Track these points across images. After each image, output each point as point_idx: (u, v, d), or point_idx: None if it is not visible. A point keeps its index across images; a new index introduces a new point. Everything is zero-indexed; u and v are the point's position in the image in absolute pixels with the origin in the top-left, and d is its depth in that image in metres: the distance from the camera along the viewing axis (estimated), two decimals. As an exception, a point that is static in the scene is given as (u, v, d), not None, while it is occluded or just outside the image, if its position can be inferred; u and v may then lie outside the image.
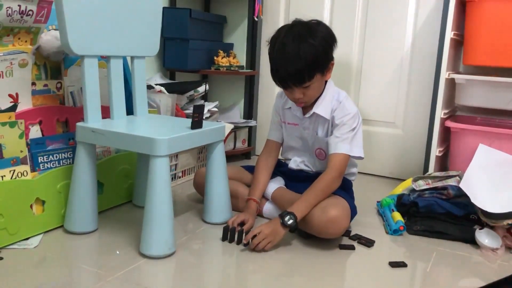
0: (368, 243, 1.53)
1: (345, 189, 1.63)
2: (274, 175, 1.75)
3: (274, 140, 1.75)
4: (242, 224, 1.56)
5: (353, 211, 1.58)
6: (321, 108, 1.59)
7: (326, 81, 1.60)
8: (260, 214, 1.71)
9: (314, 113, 1.60)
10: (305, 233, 1.54)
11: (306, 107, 1.64)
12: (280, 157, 1.81)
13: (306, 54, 1.44)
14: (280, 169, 1.78)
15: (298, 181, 1.70)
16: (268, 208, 1.70)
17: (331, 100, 1.59)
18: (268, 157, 1.73)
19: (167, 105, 2.02)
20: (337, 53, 1.64)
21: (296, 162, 1.74)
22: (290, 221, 1.42)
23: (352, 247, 1.50)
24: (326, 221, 1.44)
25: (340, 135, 1.54)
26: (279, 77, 1.51)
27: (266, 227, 1.44)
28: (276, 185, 1.70)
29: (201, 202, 1.78)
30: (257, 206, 1.65)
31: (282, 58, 1.48)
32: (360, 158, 1.58)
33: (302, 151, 1.73)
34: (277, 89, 2.56)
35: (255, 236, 1.42)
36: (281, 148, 1.79)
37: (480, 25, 1.89)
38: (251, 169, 1.81)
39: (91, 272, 1.27)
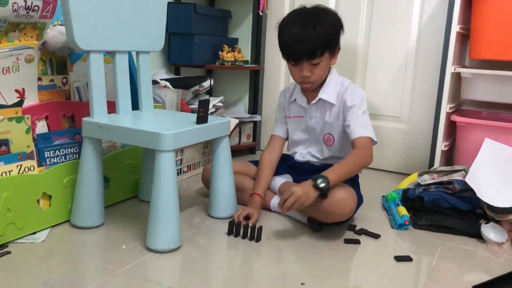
0: (374, 236, 1.54)
1: (352, 181, 1.64)
2: (281, 170, 1.76)
3: (279, 135, 1.77)
4: (247, 218, 1.57)
5: (360, 199, 1.59)
6: (327, 93, 1.63)
7: (329, 68, 1.64)
8: (267, 208, 1.72)
9: (320, 99, 1.63)
10: (317, 226, 1.55)
11: (311, 95, 1.66)
12: (286, 152, 1.81)
13: (321, 29, 1.50)
14: (287, 163, 1.79)
15: (305, 173, 1.70)
16: (275, 201, 1.71)
17: (335, 85, 1.64)
18: (272, 152, 1.74)
19: (172, 100, 2.03)
20: (342, 48, 1.64)
21: (302, 154, 1.75)
22: (323, 184, 1.41)
23: (357, 241, 1.50)
24: (333, 202, 1.45)
25: (356, 117, 1.58)
26: (292, 50, 1.53)
27: (299, 189, 1.41)
28: (283, 179, 1.71)
29: (206, 196, 1.79)
30: (261, 200, 1.65)
31: (297, 31, 1.50)
32: (375, 143, 1.62)
33: (308, 143, 1.74)
34: (282, 84, 2.59)
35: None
36: (285, 144, 1.80)
37: (486, 18, 1.88)
38: (257, 164, 1.82)
39: (98, 266, 1.28)
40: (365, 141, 1.56)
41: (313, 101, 1.65)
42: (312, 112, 1.67)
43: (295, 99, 1.71)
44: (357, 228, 1.59)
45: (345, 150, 1.65)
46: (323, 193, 1.43)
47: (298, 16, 1.55)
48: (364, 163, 1.54)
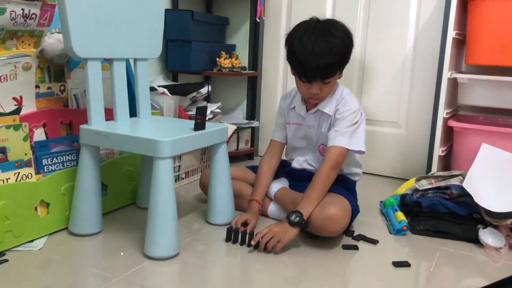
0: (373, 241, 1.54)
1: (348, 189, 1.63)
2: (278, 175, 1.76)
3: (278, 140, 1.76)
4: (245, 224, 1.57)
5: (355, 210, 1.58)
6: (325, 104, 1.61)
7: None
8: (264, 214, 1.72)
9: (318, 110, 1.62)
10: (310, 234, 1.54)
11: (311, 105, 1.65)
12: (284, 158, 1.81)
13: (336, 48, 1.48)
14: (284, 169, 1.79)
15: (301, 180, 1.70)
16: (272, 208, 1.71)
17: (335, 96, 1.62)
18: (271, 158, 1.74)
19: (170, 106, 2.03)
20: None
21: (299, 162, 1.75)
22: (297, 219, 1.42)
23: (355, 247, 1.50)
24: (324, 218, 1.44)
25: (339, 129, 1.55)
26: (306, 71, 1.50)
27: (274, 226, 1.45)
28: (279, 185, 1.71)
29: (204, 203, 1.79)
30: (259, 206, 1.65)
31: (313, 51, 1.46)
32: (360, 152, 1.58)
33: (306, 150, 1.74)
34: (280, 90, 2.60)
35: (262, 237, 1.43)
36: (284, 149, 1.80)
37: (482, 24, 1.89)
38: (255, 169, 1.82)
39: (96, 274, 1.27)
40: (335, 151, 1.53)
41: (311, 111, 1.65)
42: (310, 121, 1.67)
43: (294, 107, 1.70)
44: (355, 234, 1.59)
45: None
46: (302, 227, 1.44)
47: (312, 32, 1.49)
48: (329, 181, 1.53)
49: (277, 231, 1.43)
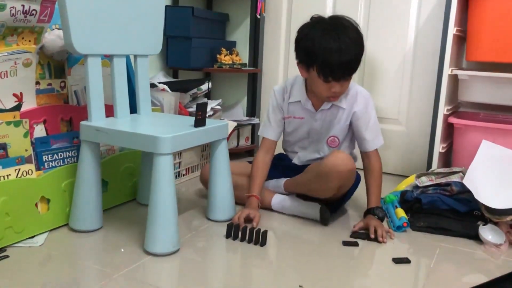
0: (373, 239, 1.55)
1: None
2: (277, 174, 1.77)
3: (272, 138, 1.74)
4: (247, 220, 1.57)
5: (358, 177, 1.70)
6: (341, 99, 1.63)
7: None
8: (267, 208, 1.73)
9: (332, 105, 1.64)
10: (326, 215, 1.61)
11: (317, 100, 1.65)
12: (282, 151, 1.82)
13: (358, 41, 1.50)
14: (282, 163, 1.79)
15: (299, 172, 1.72)
16: (277, 200, 1.72)
17: (350, 90, 1.64)
18: (266, 154, 1.73)
19: (170, 103, 2.03)
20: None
21: (300, 159, 1.76)
22: (381, 214, 1.59)
23: (356, 244, 1.50)
24: (335, 159, 1.54)
25: (370, 130, 1.65)
26: (335, 70, 1.48)
27: (379, 224, 1.55)
28: (282, 179, 1.74)
29: (205, 199, 1.79)
30: (258, 201, 1.66)
31: (338, 49, 1.45)
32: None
33: (306, 143, 1.74)
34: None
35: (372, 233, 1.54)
36: (281, 139, 1.81)
37: (482, 20, 1.89)
38: None
39: (96, 270, 1.28)
40: (376, 153, 1.67)
41: (325, 107, 1.64)
42: (319, 115, 1.67)
43: (298, 101, 1.68)
44: (357, 231, 1.59)
45: (346, 150, 1.71)
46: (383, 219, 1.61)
47: (332, 31, 1.47)
48: (382, 173, 1.68)
49: (380, 225, 1.55)
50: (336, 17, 1.54)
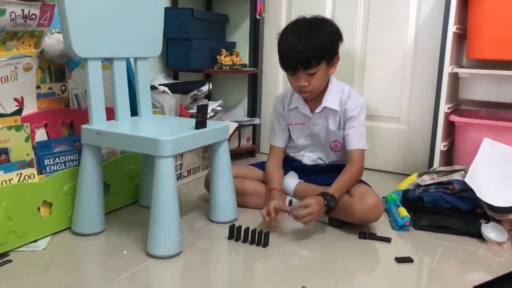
0: (386, 240, 1.55)
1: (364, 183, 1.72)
2: (286, 169, 1.78)
3: (279, 146, 1.78)
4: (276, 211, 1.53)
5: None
6: (330, 101, 1.66)
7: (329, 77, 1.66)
8: None
9: (324, 107, 1.66)
10: (338, 223, 1.61)
11: (313, 104, 1.67)
12: (290, 154, 1.83)
13: (316, 39, 1.52)
14: (292, 164, 1.80)
15: (311, 174, 1.75)
16: (287, 203, 1.71)
17: (337, 93, 1.67)
18: (275, 161, 1.76)
19: (171, 105, 2.03)
20: (340, 49, 1.64)
21: (310, 158, 1.78)
22: (333, 204, 1.51)
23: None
24: (368, 209, 1.54)
25: (356, 130, 1.65)
26: (288, 60, 1.55)
27: (316, 205, 1.48)
28: (295, 180, 1.74)
29: (206, 201, 1.79)
30: (280, 193, 1.66)
31: (293, 41, 1.53)
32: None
33: (312, 147, 1.77)
34: (281, 87, 2.60)
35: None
36: (287, 148, 1.82)
37: (482, 18, 1.88)
38: (258, 166, 1.85)
39: (99, 273, 1.28)
40: (359, 154, 1.66)
41: (318, 110, 1.67)
42: (316, 119, 1.70)
43: (296, 107, 1.72)
44: (368, 234, 1.57)
45: None
46: (329, 212, 1.54)
47: (295, 27, 1.57)
48: (356, 180, 1.66)
49: (317, 212, 1.48)
50: (312, 17, 1.59)
